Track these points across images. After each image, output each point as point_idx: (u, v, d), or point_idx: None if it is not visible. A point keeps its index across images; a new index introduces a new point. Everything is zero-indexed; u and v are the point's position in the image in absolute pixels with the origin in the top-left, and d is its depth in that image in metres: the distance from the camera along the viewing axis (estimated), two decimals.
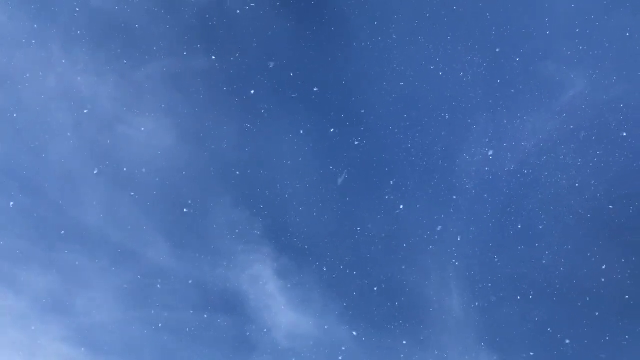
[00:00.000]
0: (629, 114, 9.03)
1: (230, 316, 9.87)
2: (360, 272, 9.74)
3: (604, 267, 9.11)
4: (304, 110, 9.70)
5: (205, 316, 9.83)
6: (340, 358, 9.67)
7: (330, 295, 9.80)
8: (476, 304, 9.54)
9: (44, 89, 9.43)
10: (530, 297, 9.38)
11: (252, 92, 9.58)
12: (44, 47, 9.36)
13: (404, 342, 9.61)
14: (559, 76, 9.22)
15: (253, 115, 9.66)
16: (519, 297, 9.42)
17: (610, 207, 9.12)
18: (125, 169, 9.58)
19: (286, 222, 9.78)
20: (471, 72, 9.41)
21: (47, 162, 9.55)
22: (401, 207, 9.65)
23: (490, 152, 9.47)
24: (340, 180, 9.32)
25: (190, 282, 9.85)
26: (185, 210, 9.69)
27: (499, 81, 9.36)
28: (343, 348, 9.69)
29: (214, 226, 9.78)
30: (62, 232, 9.65)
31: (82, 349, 9.82)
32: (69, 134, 9.51)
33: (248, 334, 9.85)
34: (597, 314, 9.10)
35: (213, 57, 9.55)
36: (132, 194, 9.62)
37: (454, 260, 9.60)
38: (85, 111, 9.49)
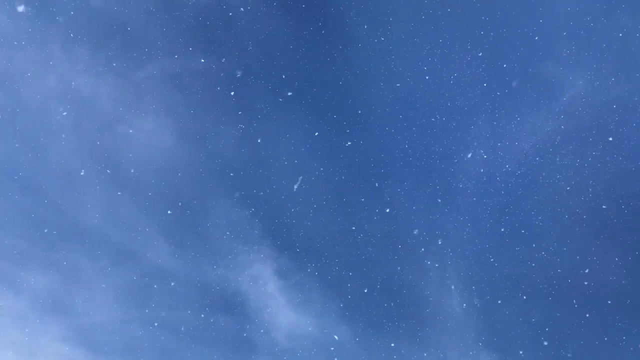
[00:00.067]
0: (626, 114, 9.05)
1: (230, 316, 9.91)
2: (358, 272, 9.77)
3: (601, 267, 9.15)
4: (301, 111, 9.72)
5: (205, 316, 9.86)
6: (338, 358, 9.72)
7: (330, 295, 9.84)
8: (473, 304, 9.58)
9: (44, 89, 9.43)
10: (528, 297, 9.42)
11: (252, 92, 9.62)
12: (44, 47, 9.35)
13: (402, 342, 9.66)
14: (557, 77, 9.25)
15: (252, 115, 9.68)
16: (516, 298, 9.46)
17: (608, 207, 9.15)
18: (124, 169, 9.59)
19: (286, 222, 9.81)
20: (469, 72, 9.43)
21: (47, 162, 9.57)
22: (398, 207, 9.69)
23: (488, 153, 9.49)
24: (295, 187, 9.37)
25: (190, 282, 9.87)
26: (185, 211, 9.73)
27: (496, 82, 9.37)
28: (341, 348, 9.74)
29: (214, 226, 9.81)
30: (62, 232, 9.68)
31: (82, 349, 9.86)
32: (69, 134, 9.52)
33: (248, 334, 9.87)
34: (594, 314, 9.15)
35: (212, 57, 9.57)
36: (132, 194, 9.64)
37: (451, 261, 9.65)
38: (85, 111, 9.52)
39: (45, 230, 9.64)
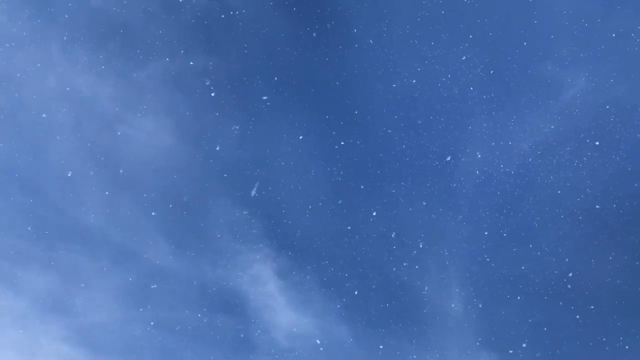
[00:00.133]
0: (625, 115, 9.05)
1: (229, 316, 9.92)
2: (357, 273, 9.78)
3: (599, 267, 9.18)
4: (300, 111, 9.71)
5: (205, 316, 9.86)
6: (338, 358, 9.75)
7: (330, 295, 9.86)
8: (471, 304, 9.61)
9: (44, 89, 9.42)
10: (526, 297, 9.45)
11: (251, 92, 9.62)
12: (44, 47, 9.34)
13: (401, 342, 9.69)
14: (555, 77, 9.24)
15: (252, 115, 9.68)
16: (513, 298, 9.49)
17: (606, 208, 9.18)
18: (124, 169, 9.58)
19: (285, 222, 9.82)
20: (468, 72, 9.42)
21: (47, 162, 9.56)
22: (396, 208, 9.70)
23: (486, 153, 9.50)
24: (253, 192, 9.42)
25: (190, 282, 9.88)
26: (184, 211, 9.74)
27: (494, 82, 9.37)
28: (341, 348, 9.77)
29: (214, 226, 9.80)
30: (62, 232, 9.67)
31: (82, 349, 9.87)
32: (69, 134, 9.52)
33: (247, 334, 9.89)
34: (592, 314, 9.19)
35: (212, 57, 9.56)
36: (132, 194, 9.64)
37: (448, 261, 9.67)
38: (85, 111, 9.51)
39: (46, 231, 9.67)
